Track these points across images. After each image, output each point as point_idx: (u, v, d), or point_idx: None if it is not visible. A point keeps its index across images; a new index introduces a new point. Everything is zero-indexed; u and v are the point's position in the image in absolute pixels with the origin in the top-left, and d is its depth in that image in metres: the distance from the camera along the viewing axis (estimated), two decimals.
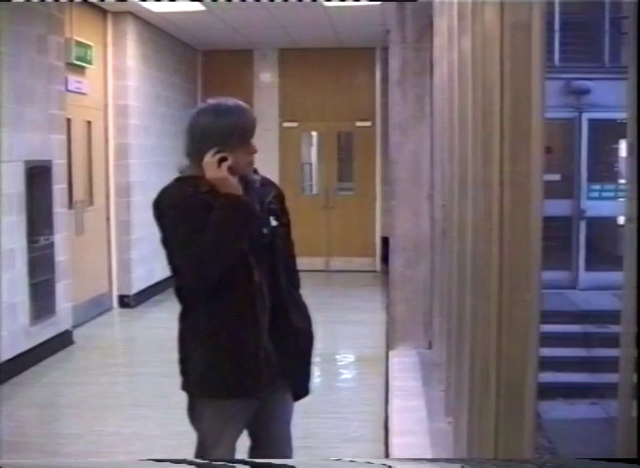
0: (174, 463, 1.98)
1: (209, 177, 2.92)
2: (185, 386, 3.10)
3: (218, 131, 2.94)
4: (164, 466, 2.00)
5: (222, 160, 2.92)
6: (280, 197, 3.19)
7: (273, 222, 3.08)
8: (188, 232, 2.90)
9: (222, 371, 2.97)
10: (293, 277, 3.19)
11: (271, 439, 3.20)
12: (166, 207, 3.00)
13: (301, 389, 3.19)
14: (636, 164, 1.77)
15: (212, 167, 2.91)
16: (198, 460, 2.87)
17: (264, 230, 3.05)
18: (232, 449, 3.08)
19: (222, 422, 3.05)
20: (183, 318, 3.09)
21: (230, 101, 3.03)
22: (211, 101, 3.03)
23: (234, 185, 2.94)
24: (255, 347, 2.99)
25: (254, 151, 3.05)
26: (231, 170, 2.93)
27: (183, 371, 3.10)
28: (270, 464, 2.23)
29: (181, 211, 2.95)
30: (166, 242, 3.07)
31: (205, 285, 2.94)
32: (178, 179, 3.06)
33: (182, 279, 3.04)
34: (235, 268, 2.95)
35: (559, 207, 11.07)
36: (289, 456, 3.24)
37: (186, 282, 3.01)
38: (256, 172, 3.12)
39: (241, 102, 3.06)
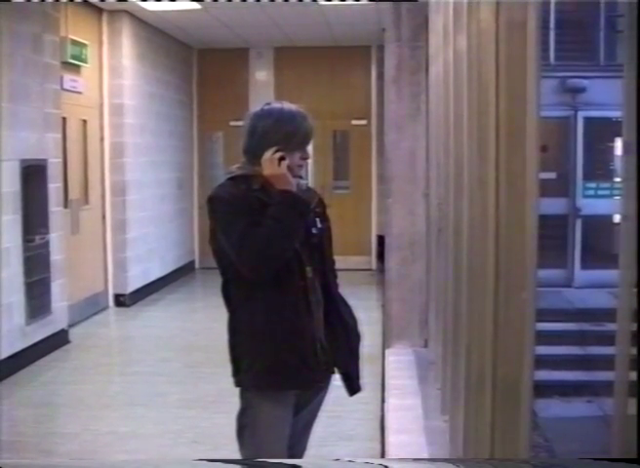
0: (225, 463, 2.00)
1: (267, 173, 3.05)
2: (244, 382, 3.20)
3: (280, 133, 3.08)
4: (216, 466, 2.01)
5: (281, 159, 3.05)
6: (322, 202, 3.32)
7: (319, 224, 3.21)
8: (245, 226, 2.98)
9: (286, 364, 3.06)
10: (335, 277, 3.33)
11: (298, 429, 3.29)
12: (221, 203, 3.08)
13: (356, 385, 3.27)
14: (633, 162, 1.77)
15: (272, 164, 3.04)
16: (248, 461, 2.94)
17: (313, 230, 3.17)
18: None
19: (283, 413, 3.16)
20: (236, 315, 3.14)
21: (294, 107, 3.18)
22: (275, 105, 3.16)
23: (291, 182, 3.07)
24: (312, 341, 3.09)
25: (307, 157, 3.24)
26: (287, 169, 3.07)
27: (240, 369, 3.17)
28: (278, 464, 2.24)
29: (237, 206, 3.04)
30: (216, 239, 3.12)
31: (262, 278, 3.02)
32: (230, 178, 3.15)
33: (237, 274, 3.05)
34: (290, 264, 3.06)
35: (555, 205, 11.08)
36: (305, 448, 3.40)
37: (244, 276, 3.04)
38: (301, 177, 3.25)
39: (302, 109, 3.21)
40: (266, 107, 3.15)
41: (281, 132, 3.08)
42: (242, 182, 3.10)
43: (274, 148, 3.04)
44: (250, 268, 2.99)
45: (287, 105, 3.17)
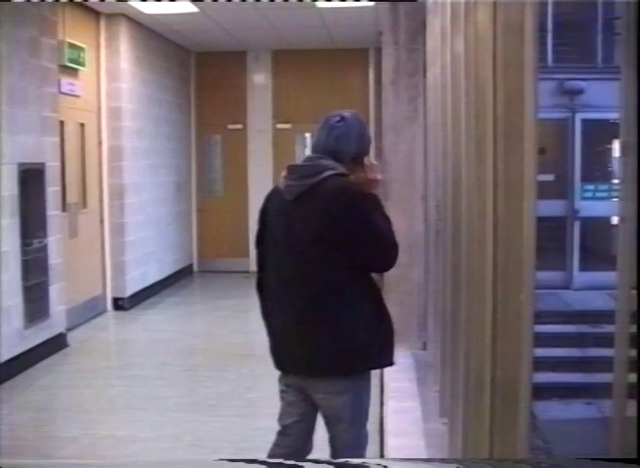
0: (247, 463, 2.01)
1: (371, 177, 3.37)
2: (360, 366, 3.42)
3: (368, 138, 3.50)
4: (238, 466, 2.02)
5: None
6: None
7: None
8: (384, 222, 3.35)
9: (393, 344, 3.49)
10: None
11: None
12: (367, 200, 3.32)
13: None
14: (631, 164, 1.77)
15: (372, 169, 3.40)
16: (269, 460, 3.02)
17: None
18: None
19: None
20: (353, 305, 3.31)
21: None
22: (348, 111, 3.48)
23: (377, 188, 3.42)
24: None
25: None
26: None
27: (355, 354, 3.34)
28: (278, 463, 2.24)
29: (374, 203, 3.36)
30: (345, 230, 3.27)
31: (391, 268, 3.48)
32: (342, 175, 3.34)
33: (363, 265, 3.33)
34: None
35: (553, 207, 11.10)
36: None
37: (385, 269, 3.54)
38: None
39: None
40: (349, 114, 3.45)
41: (368, 137, 3.50)
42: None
43: (371, 155, 3.43)
44: (394, 259, 3.36)
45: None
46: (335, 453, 3.53)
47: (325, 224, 3.24)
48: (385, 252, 3.34)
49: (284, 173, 3.44)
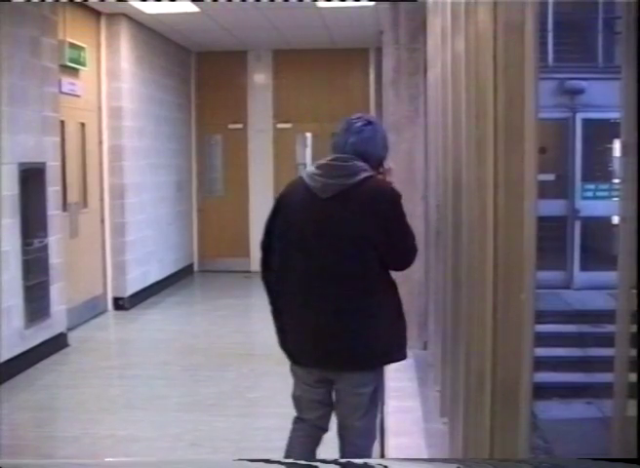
0: (267, 463, 2.02)
1: (389, 180, 3.57)
2: (379, 361, 3.64)
3: (388, 143, 3.66)
4: (258, 466, 2.03)
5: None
6: None
7: None
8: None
9: (406, 338, 3.71)
10: None
11: None
12: (399, 202, 3.50)
13: None
14: (634, 164, 1.77)
15: (390, 173, 3.62)
16: (286, 460, 3.12)
17: None
18: None
19: None
20: (385, 307, 3.51)
21: None
22: (369, 115, 3.74)
23: None
24: None
25: None
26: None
27: (377, 349, 3.52)
28: (278, 462, 2.25)
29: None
30: (376, 231, 3.42)
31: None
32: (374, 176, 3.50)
33: (387, 263, 3.49)
34: None
35: (553, 207, 11.09)
36: None
37: (403, 269, 3.63)
38: None
39: None
40: (372, 118, 3.67)
41: (389, 143, 3.67)
42: None
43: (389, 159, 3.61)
44: (414, 260, 3.60)
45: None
46: (345, 444, 3.64)
47: (365, 224, 3.36)
48: (412, 253, 3.57)
49: (313, 170, 3.51)
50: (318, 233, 3.39)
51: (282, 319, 3.58)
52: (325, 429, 3.71)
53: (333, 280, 3.39)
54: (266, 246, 3.58)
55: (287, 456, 3.65)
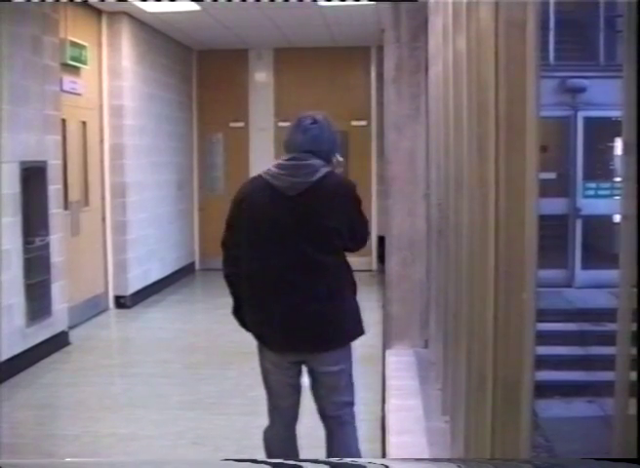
0: (254, 463, 2.02)
1: (338, 172, 3.84)
2: (349, 337, 3.87)
3: (337, 138, 3.91)
4: (245, 466, 2.03)
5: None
6: None
7: None
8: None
9: None
10: None
11: None
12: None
13: None
14: (634, 163, 1.76)
15: (341, 165, 3.92)
16: (272, 460, 3.19)
17: None
18: None
19: None
20: (347, 287, 3.81)
21: None
22: (319, 113, 3.88)
23: None
24: None
25: None
26: None
27: (345, 326, 3.82)
28: (280, 464, 2.24)
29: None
30: (338, 219, 3.71)
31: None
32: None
33: (345, 246, 3.80)
34: None
35: (555, 205, 11.08)
36: None
37: (358, 250, 3.91)
38: None
39: None
40: (321, 116, 3.84)
41: (338, 138, 3.91)
42: None
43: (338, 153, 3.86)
44: (364, 244, 3.90)
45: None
46: (328, 420, 3.90)
47: (331, 217, 3.67)
48: (367, 236, 3.91)
49: (276, 170, 3.74)
50: (289, 227, 3.65)
51: (252, 310, 3.81)
52: (297, 419, 3.96)
53: (305, 269, 3.65)
54: (229, 242, 3.82)
55: (271, 456, 3.86)
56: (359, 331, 3.83)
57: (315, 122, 3.79)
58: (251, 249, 3.73)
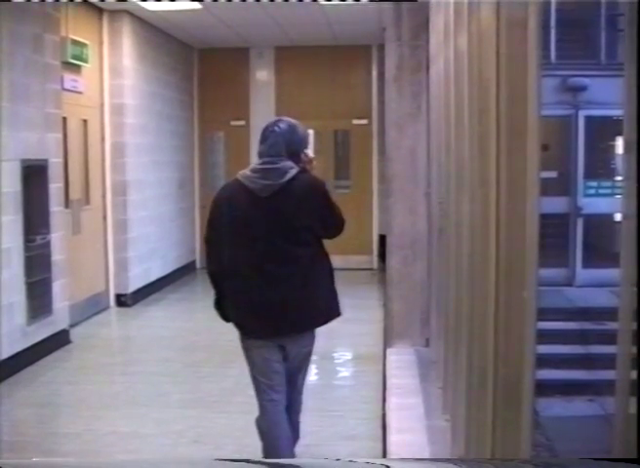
0: (248, 463, 2.03)
1: (309, 167, 4.15)
2: (332, 315, 4.24)
3: (298, 140, 4.15)
4: (239, 466, 2.03)
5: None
6: None
7: None
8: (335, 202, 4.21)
9: None
10: None
11: None
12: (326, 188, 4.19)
13: None
14: (634, 161, 1.76)
15: (310, 160, 4.22)
16: (267, 460, 3.35)
17: None
18: None
19: None
20: (323, 275, 4.12)
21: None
22: (283, 120, 4.18)
23: None
24: None
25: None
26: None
27: (321, 309, 4.15)
28: (276, 464, 2.24)
29: None
30: (313, 214, 4.04)
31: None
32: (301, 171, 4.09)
33: (322, 236, 4.13)
34: None
35: (556, 204, 11.07)
36: None
37: (336, 236, 4.20)
38: None
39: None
40: (292, 121, 4.19)
41: (299, 139, 4.16)
42: None
43: (308, 150, 4.18)
44: (343, 228, 4.17)
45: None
46: (292, 404, 4.22)
47: (303, 214, 3.99)
48: (341, 224, 4.18)
49: (250, 173, 4.05)
50: (265, 226, 3.98)
51: (234, 301, 4.14)
52: (284, 402, 4.19)
53: (282, 262, 3.99)
54: (212, 240, 4.15)
55: (273, 445, 4.10)
56: (334, 313, 4.18)
57: (277, 126, 4.13)
58: (231, 245, 4.07)
